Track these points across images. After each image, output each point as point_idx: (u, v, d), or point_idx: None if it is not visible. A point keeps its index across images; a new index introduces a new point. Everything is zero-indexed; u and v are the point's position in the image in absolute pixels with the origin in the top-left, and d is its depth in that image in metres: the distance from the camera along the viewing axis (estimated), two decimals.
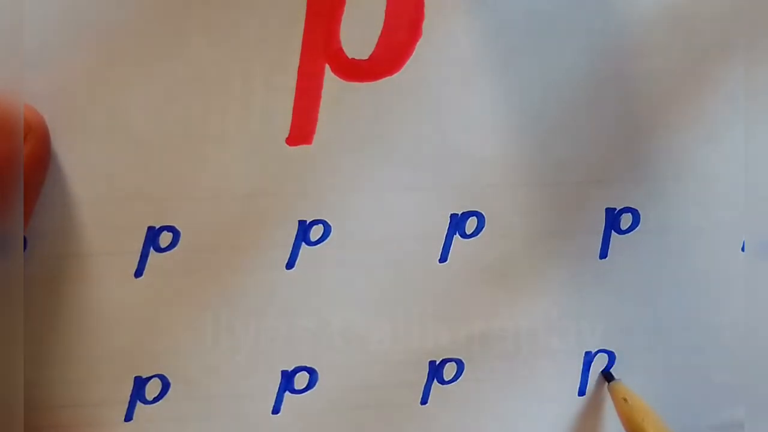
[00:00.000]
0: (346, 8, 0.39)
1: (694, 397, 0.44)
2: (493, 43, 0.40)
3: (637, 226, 0.42)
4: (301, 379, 0.41)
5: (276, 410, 0.41)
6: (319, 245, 0.40)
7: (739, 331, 0.43)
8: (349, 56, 0.39)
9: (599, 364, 0.43)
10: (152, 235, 0.39)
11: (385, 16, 0.39)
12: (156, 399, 0.40)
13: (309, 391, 0.41)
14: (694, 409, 0.44)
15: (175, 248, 0.39)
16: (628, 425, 0.41)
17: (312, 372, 0.41)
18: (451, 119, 0.40)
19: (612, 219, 0.42)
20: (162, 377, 0.40)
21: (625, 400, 0.42)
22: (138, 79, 0.38)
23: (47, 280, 0.39)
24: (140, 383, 0.40)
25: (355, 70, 0.39)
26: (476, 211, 0.41)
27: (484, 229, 0.41)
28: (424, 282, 0.41)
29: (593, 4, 0.40)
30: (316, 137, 0.39)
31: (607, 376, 0.43)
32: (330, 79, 0.39)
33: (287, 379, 0.41)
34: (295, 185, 0.40)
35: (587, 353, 0.43)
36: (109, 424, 0.40)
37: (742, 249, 0.43)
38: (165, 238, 0.39)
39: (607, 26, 0.40)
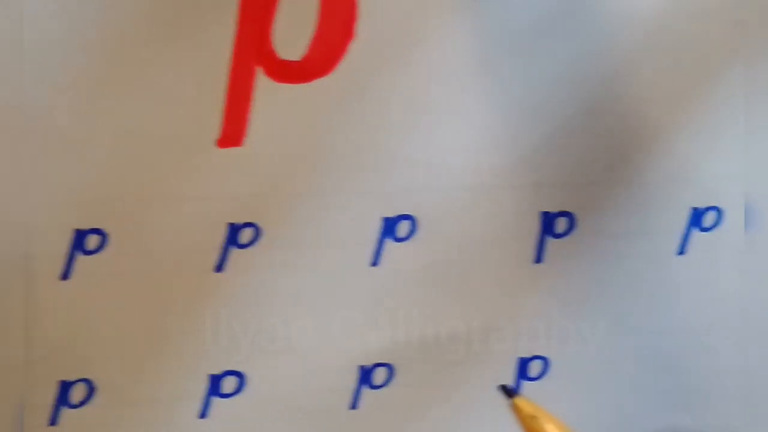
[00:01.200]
0: (278, 9, 0.38)
1: (630, 403, 0.44)
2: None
3: (572, 230, 0.42)
4: (229, 383, 0.40)
5: (203, 415, 0.40)
6: (249, 248, 0.40)
7: (678, 336, 0.43)
8: (282, 57, 0.39)
9: (534, 369, 0.42)
10: (79, 238, 0.38)
11: (318, 17, 0.39)
12: (82, 403, 0.39)
13: (237, 396, 0.41)
14: (629, 415, 0.44)
15: (102, 251, 0.38)
16: None
17: (240, 376, 0.40)
18: (384, 121, 0.40)
19: (547, 223, 0.41)
20: (87, 381, 0.39)
21: (533, 417, 0.35)
22: (65, 80, 0.37)
23: None
24: (65, 387, 0.39)
25: (287, 72, 0.39)
26: (409, 215, 0.40)
27: (416, 233, 0.40)
28: (355, 286, 0.41)
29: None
30: (247, 139, 0.39)
31: (507, 390, 0.36)
32: (262, 80, 0.39)
33: (215, 384, 0.40)
34: (225, 188, 0.39)
35: (521, 359, 0.42)
36: (33, 428, 0.39)
37: (679, 252, 0.42)
38: (92, 241, 0.38)
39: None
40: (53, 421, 0.39)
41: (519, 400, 0.36)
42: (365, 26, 0.39)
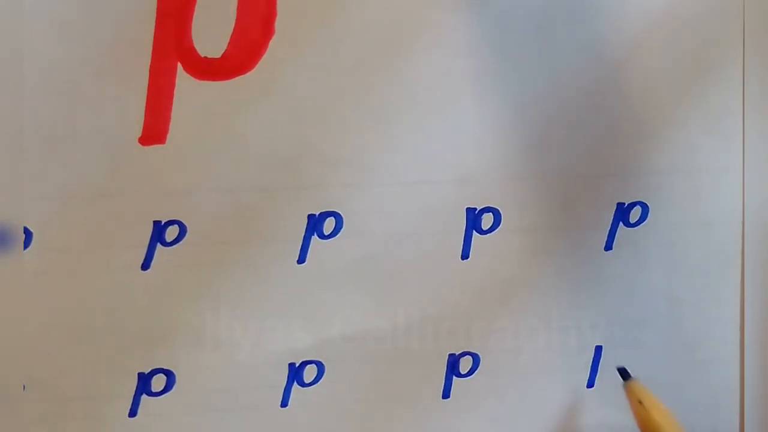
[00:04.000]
0: (197, 6, 0.39)
1: (560, 398, 0.44)
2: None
3: (497, 225, 0.41)
4: (158, 382, 0.40)
5: (133, 413, 0.41)
6: (175, 246, 0.40)
7: (607, 331, 0.43)
8: (202, 54, 0.39)
9: (464, 366, 0.42)
10: (1, 236, 0.38)
11: (237, 14, 0.39)
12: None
13: (166, 394, 0.41)
14: (560, 410, 0.44)
15: (27, 249, 0.39)
16: (645, 429, 0.39)
17: (169, 374, 0.40)
18: (306, 118, 0.40)
19: (472, 218, 0.41)
20: None
21: (640, 402, 0.39)
22: None
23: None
24: None
25: (207, 69, 0.39)
26: (334, 212, 0.40)
27: (342, 229, 0.41)
28: (282, 283, 0.41)
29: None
30: (169, 136, 0.39)
31: (622, 373, 0.41)
32: (182, 78, 0.39)
33: (144, 382, 0.40)
34: (149, 185, 0.39)
35: (451, 355, 0.42)
36: None
37: (606, 248, 0.42)
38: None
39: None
40: None
41: (632, 383, 0.40)
42: (284, 23, 0.39)
